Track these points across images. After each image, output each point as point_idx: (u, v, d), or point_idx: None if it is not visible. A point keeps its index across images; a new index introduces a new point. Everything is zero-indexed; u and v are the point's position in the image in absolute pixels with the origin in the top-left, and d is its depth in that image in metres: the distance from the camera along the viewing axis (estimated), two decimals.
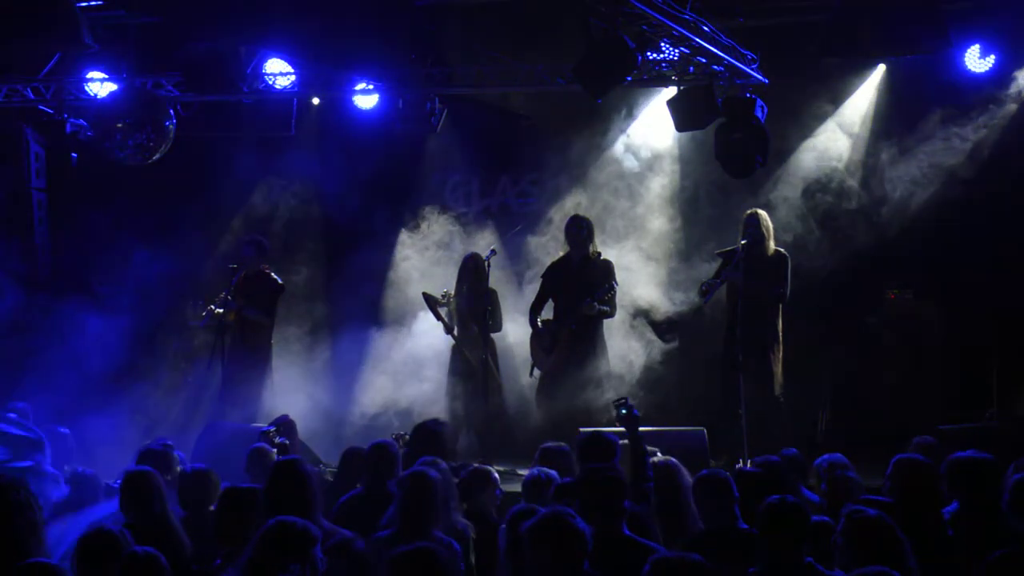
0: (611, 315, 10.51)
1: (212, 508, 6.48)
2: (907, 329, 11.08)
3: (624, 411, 6.72)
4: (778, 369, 10.14)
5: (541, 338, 10.63)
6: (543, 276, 10.78)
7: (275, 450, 8.19)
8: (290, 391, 11.30)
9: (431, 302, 10.87)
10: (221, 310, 10.85)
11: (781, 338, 10.18)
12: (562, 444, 7.42)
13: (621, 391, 10.53)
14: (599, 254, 10.59)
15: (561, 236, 10.84)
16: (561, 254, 10.77)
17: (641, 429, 6.65)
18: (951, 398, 10.66)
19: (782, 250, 10.31)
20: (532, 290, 11.10)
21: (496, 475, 7.10)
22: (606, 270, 10.45)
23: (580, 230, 10.49)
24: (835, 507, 6.27)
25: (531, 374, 10.81)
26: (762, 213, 10.33)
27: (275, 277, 11.19)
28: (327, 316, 12.59)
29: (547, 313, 10.77)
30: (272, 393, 11.04)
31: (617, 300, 10.52)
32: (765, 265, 10.11)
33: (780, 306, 10.21)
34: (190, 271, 12.61)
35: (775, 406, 10.12)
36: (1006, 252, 10.82)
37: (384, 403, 11.35)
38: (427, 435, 7.37)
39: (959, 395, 10.66)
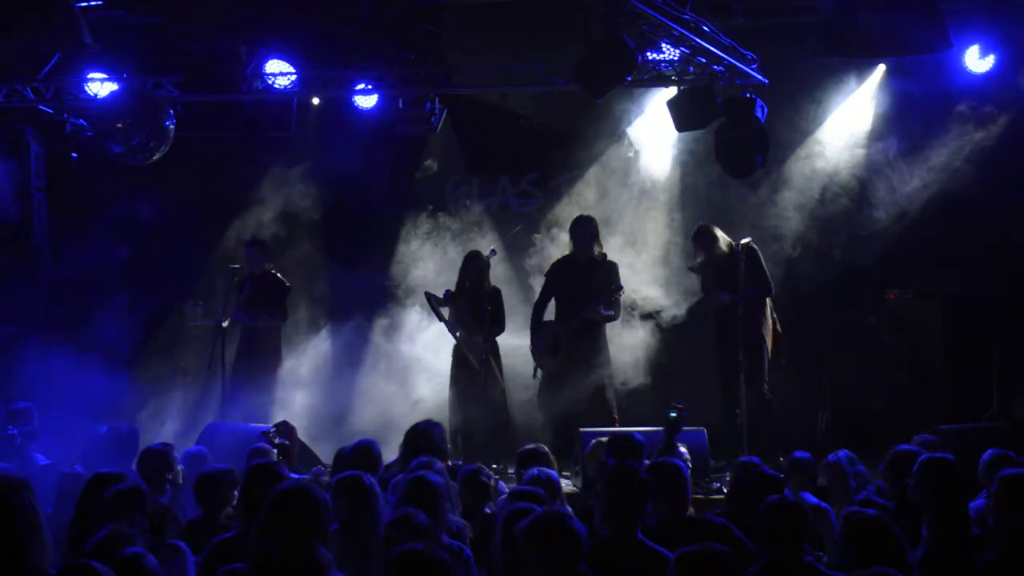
0: (615, 318, 10.46)
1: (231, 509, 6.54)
2: (907, 329, 11.08)
3: (674, 414, 6.82)
4: (765, 367, 10.12)
5: (544, 339, 10.60)
6: (547, 276, 10.74)
7: (275, 450, 8.21)
8: (291, 391, 11.32)
9: (433, 302, 10.82)
10: (226, 323, 10.82)
11: (768, 336, 10.16)
12: (540, 445, 7.42)
13: (621, 391, 10.54)
14: (604, 255, 10.52)
15: (560, 236, 10.82)
16: (562, 255, 10.75)
17: (640, 429, 6.67)
18: (951, 398, 10.65)
19: (744, 243, 9.98)
20: (531, 290, 11.09)
21: (491, 475, 7.09)
22: (611, 272, 10.38)
23: (586, 231, 10.44)
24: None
25: (534, 375, 10.77)
26: (706, 226, 10.37)
27: (281, 278, 11.28)
28: (326, 316, 12.58)
29: (549, 314, 10.76)
30: (283, 392, 11.09)
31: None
32: (734, 271, 9.97)
33: (767, 300, 10.20)
34: (190, 271, 12.62)
35: (765, 404, 10.10)
36: (1006, 252, 10.82)
37: (383, 403, 11.34)
38: (419, 436, 7.36)
39: (959, 395, 10.65)
